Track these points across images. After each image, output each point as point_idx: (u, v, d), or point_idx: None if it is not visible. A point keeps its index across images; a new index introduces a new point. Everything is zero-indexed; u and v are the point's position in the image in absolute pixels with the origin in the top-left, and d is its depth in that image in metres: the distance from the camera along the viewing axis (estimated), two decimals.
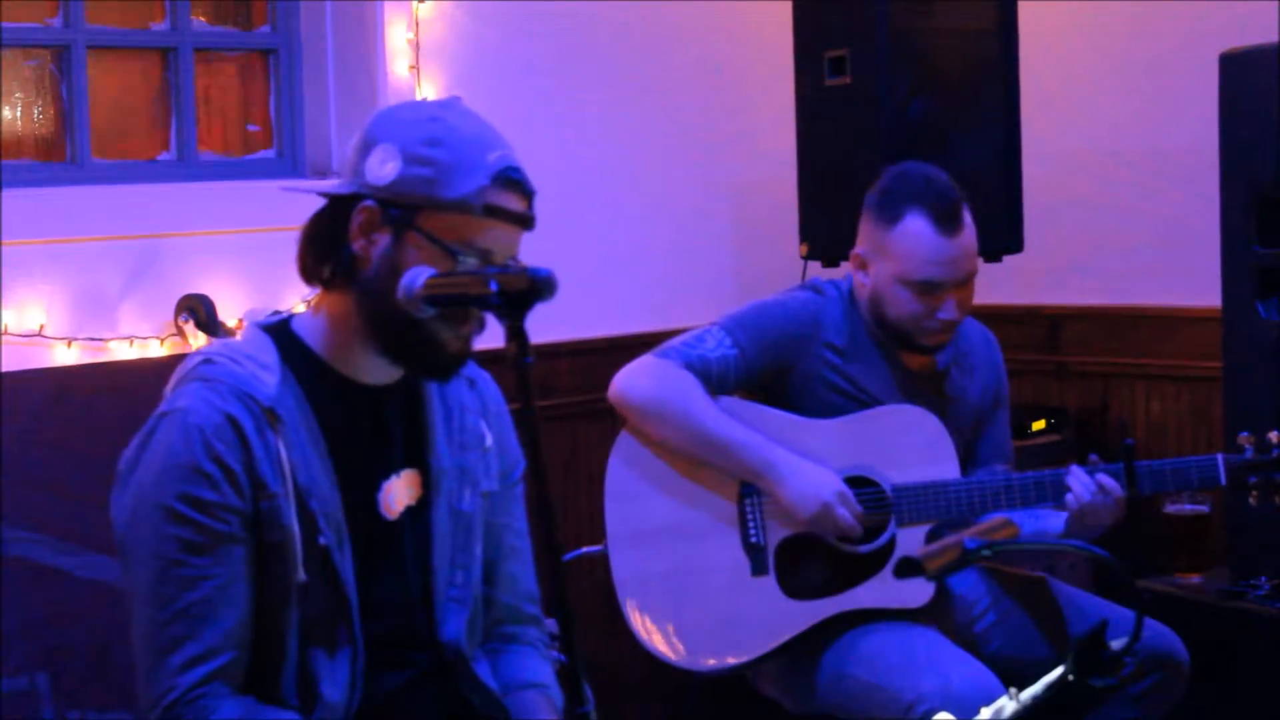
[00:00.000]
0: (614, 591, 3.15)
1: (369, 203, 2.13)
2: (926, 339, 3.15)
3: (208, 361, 2.16)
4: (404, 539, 2.26)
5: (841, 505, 3.05)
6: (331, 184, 2.20)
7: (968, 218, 3.11)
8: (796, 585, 3.12)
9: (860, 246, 3.19)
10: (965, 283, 3.12)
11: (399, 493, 2.25)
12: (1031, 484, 3.08)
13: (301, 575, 2.12)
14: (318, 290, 2.23)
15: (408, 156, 2.12)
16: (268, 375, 2.14)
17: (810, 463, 3.09)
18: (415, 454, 2.28)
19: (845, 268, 3.32)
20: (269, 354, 2.17)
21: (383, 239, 2.13)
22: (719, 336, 3.16)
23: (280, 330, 2.23)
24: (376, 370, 2.23)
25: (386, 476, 2.24)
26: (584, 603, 3.74)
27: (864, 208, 3.19)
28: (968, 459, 3.25)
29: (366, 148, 2.16)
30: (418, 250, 2.11)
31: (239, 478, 2.09)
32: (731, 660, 3.12)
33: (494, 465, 2.36)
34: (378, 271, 2.13)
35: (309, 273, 2.22)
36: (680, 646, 3.12)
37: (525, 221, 2.17)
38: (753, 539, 3.14)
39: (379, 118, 2.20)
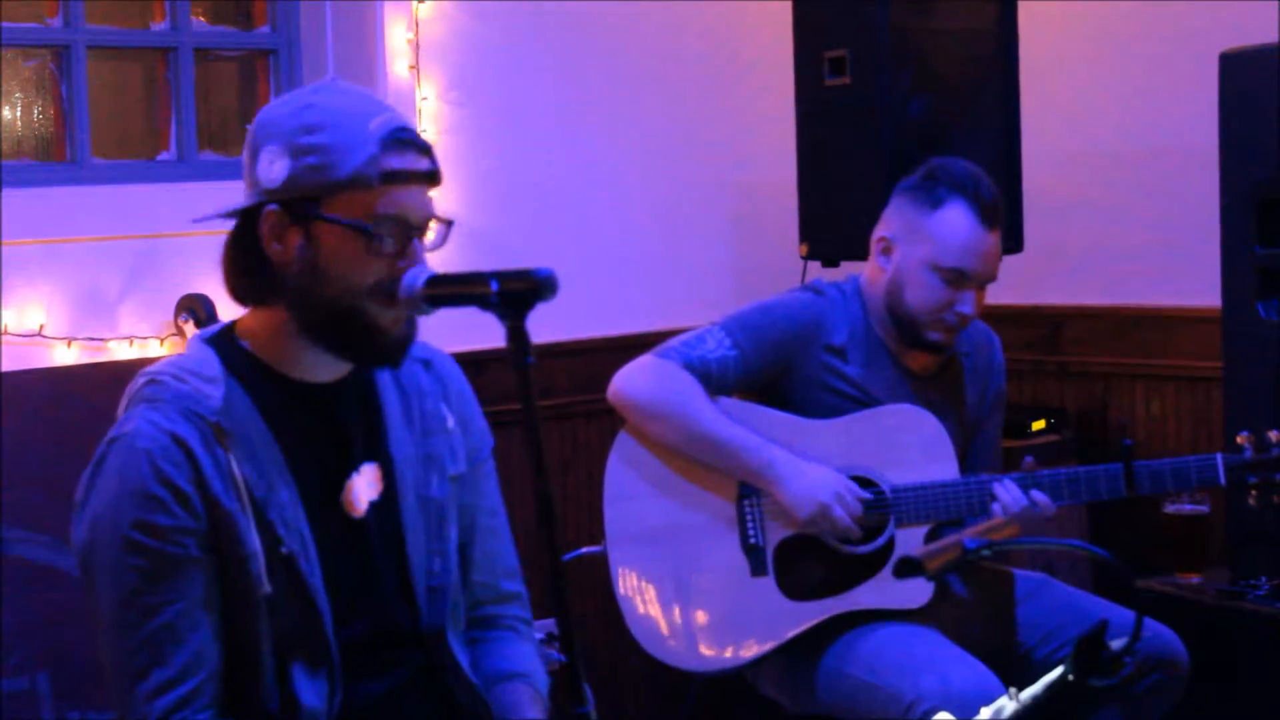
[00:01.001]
0: (613, 591, 3.15)
1: (271, 207, 2.11)
2: (935, 332, 3.14)
3: (153, 381, 2.14)
4: (372, 535, 2.23)
5: (839, 506, 3.05)
6: (234, 203, 2.17)
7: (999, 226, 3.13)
8: (796, 586, 3.12)
9: (887, 229, 3.19)
10: (988, 282, 3.14)
11: (361, 490, 2.23)
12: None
13: (266, 587, 2.10)
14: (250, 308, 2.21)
15: (292, 150, 2.10)
16: (212, 389, 2.13)
17: (810, 463, 3.09)
18: (375, 447, 2.25)
19: (845, 268, 3.32)
20: (213, 367, 2.16)
21: (295, 239, 2.12)
22: (719, 337, 3.16)
23: (224, 340, 2.21)
24: (325, 368, 2.21)
25: (348, 475, 2.22)
26: (584, 603, 3.75)
27: (899, 191, 3.19)
28: (960, 463, 3.24)
29: (254, 154, 2.14)
30: (330, 238, 2.10)
31: (191, 498, 2.07)
32: (731, 661, 3.12)
33: (460, 447, 2.34)
34: (300, 272, 2.12)
35: (239, 294, 2.21)
36: (680, 647, 3.12)
37: (429, 177, 2.14)
38: (752, 540, 3.14)
39: (258, 120, 2.17)
